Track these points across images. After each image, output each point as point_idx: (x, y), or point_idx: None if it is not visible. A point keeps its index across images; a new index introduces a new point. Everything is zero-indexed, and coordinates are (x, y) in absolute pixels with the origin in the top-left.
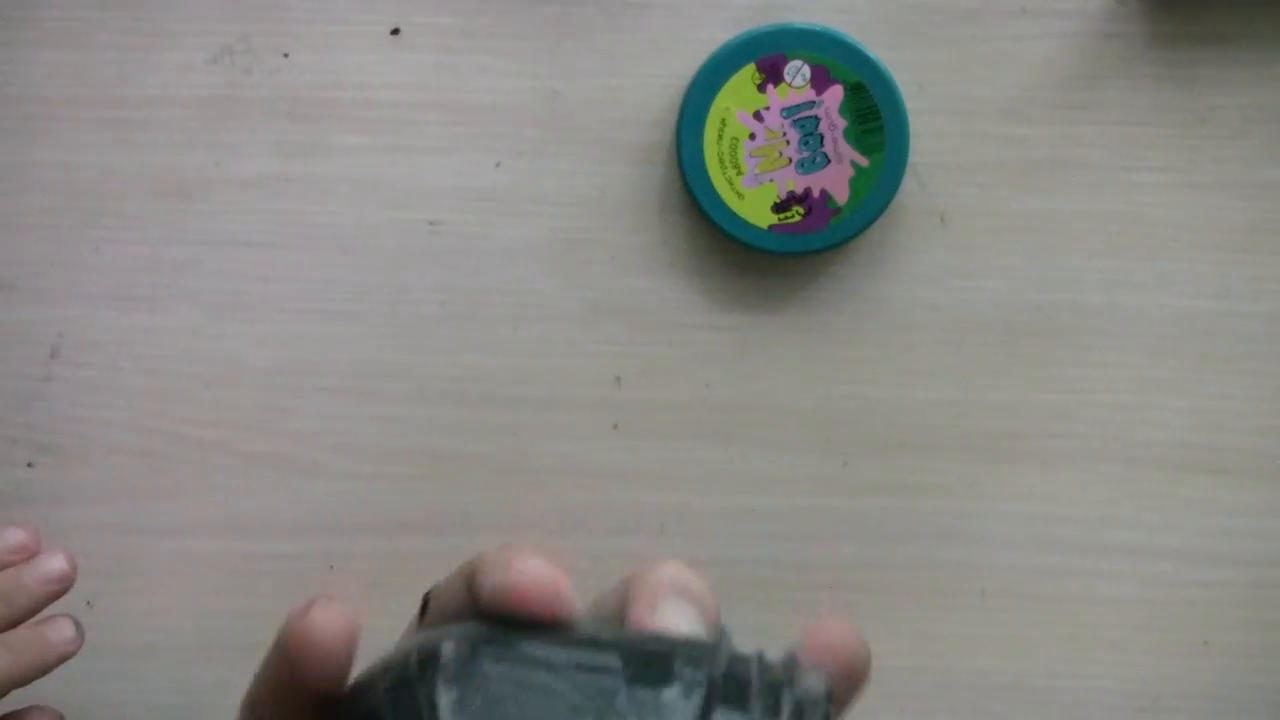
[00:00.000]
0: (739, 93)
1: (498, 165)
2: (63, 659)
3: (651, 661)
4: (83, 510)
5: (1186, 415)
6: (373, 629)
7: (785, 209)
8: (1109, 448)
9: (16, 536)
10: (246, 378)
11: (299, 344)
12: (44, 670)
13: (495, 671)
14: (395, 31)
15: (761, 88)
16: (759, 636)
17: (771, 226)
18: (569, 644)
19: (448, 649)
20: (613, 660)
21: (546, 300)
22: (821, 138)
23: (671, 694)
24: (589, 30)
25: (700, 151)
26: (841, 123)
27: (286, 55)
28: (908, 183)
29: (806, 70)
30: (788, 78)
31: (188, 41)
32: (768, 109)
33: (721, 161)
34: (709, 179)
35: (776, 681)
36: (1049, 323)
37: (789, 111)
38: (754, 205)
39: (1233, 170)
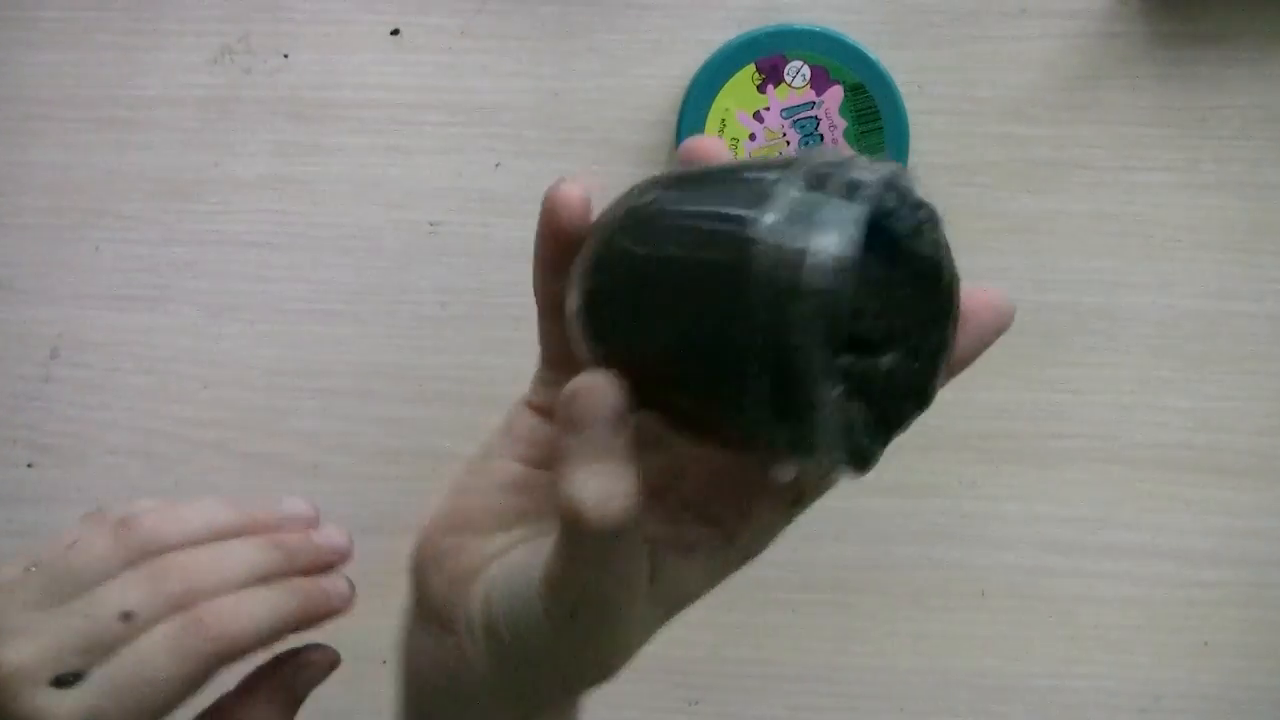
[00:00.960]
0: (739, 93)
1: (498, 165)
2: (334, 614)
3: (766, 164)
4: (83, 510)
5: (1186, 415)
6: (373, 629)
7: None
8: (1109, 448)
9: (299, 507)
10: (246, 378)
11: (299, 344)
12: (318, 620)
13: (667, 191)
14: (395, 32)
15: (761, 88)
16: (760, 636)
17: None
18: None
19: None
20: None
21: None
22: (821, 138)
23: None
24: (589, 30)
25: None
26: (841, 123)
27: (286, 55)
28: None
29: (806, 70)
30: (788, 78)
31: (188, 41)
32: (768, 109)
33: None
34: None
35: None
36: (1049, 323)
37: (789, 112)
38: None
39: (1233, 170)
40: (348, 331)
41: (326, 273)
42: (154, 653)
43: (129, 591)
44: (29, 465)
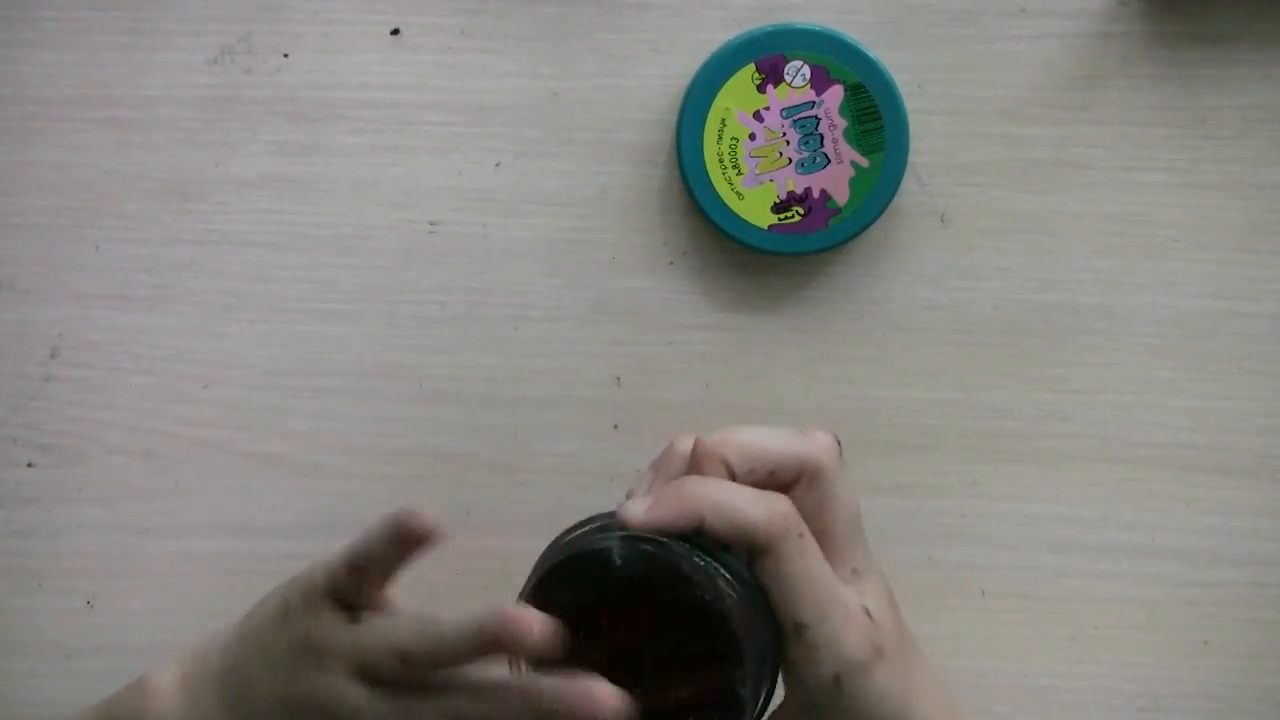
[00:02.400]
0: (739, 93)
1: (498, 165)
2: None
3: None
4: (83, 510)
5: (1186, 415)
6: None
7: (785, 209)
8: (1109, 448)
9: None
10: (246, 378)
11: (299, 344)
12: None
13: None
14: (395, 31)
15: (761, 88)
16: None
17: (771, 226)
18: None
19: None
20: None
21: (546, 300)
22: (821, 138)
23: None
24: (589, 30)
25: (700, 151)
26: (841, 123)
27: (286, 55)
28: (908, 183)
29: (806, 70)
30: (788, 78)
31: (188, 41)
32: (768, 109)
33: (721, 161)
34: (709, 179)
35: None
36: (1049, 323)
37: (789, 112)
38: (754, 205)
39: (1233, 170)
40: (347, 331)
41: (326, 273)
42: None
43: None
44: (29, 465)
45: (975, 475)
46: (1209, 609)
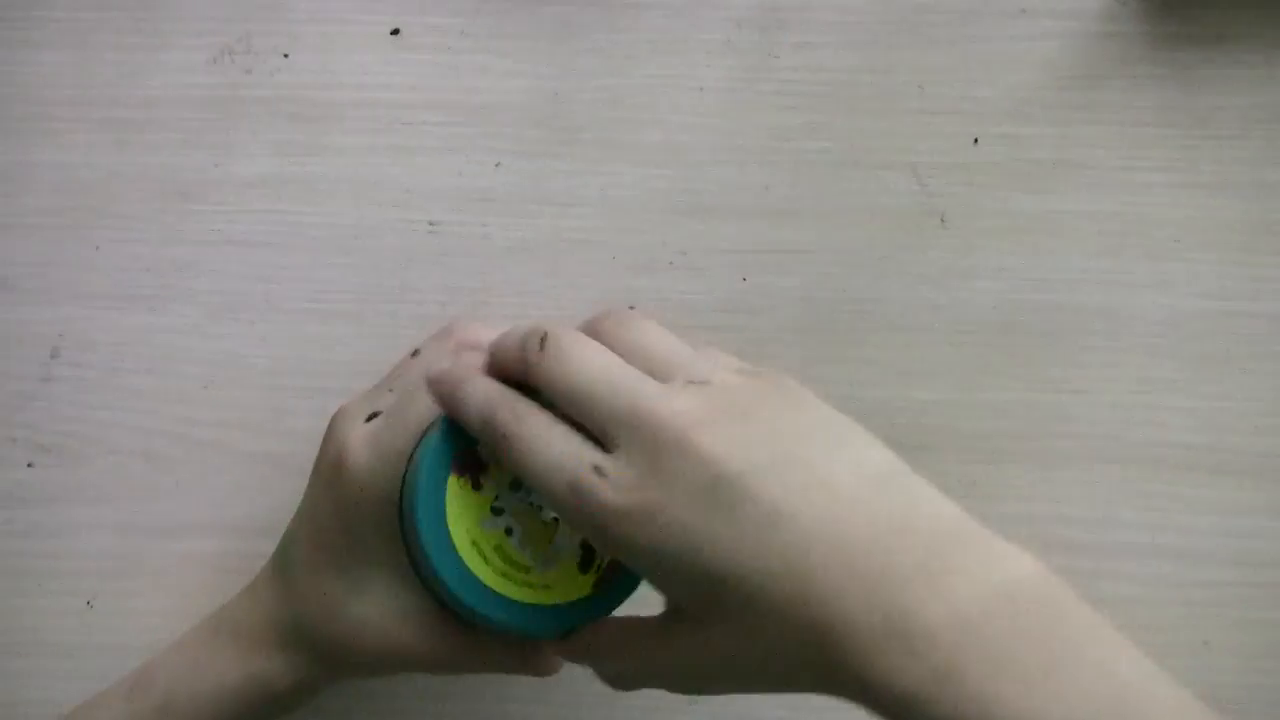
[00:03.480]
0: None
1: (498, 165)
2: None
3: None
4: (83, 510)
5: (1186, 415)
6: None
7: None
8: (1109, 448)
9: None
10: (246, 378)
11: (299, 344)
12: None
13: None
14: (395, 31)
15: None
16: None
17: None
18: None
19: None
20: None
21: (546, 300)
22: None
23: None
24: (589, 30)
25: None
26: None
27: (286, 55)
28: (908, 183)
29: None
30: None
31: (188, 41)
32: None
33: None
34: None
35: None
36: (1049, 323)
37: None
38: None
39: (1233, 170)
40: (348, 331)
41: (326, 273)
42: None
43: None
44: (29, 465)
45: (975, 475)
46: (1209, 609)
